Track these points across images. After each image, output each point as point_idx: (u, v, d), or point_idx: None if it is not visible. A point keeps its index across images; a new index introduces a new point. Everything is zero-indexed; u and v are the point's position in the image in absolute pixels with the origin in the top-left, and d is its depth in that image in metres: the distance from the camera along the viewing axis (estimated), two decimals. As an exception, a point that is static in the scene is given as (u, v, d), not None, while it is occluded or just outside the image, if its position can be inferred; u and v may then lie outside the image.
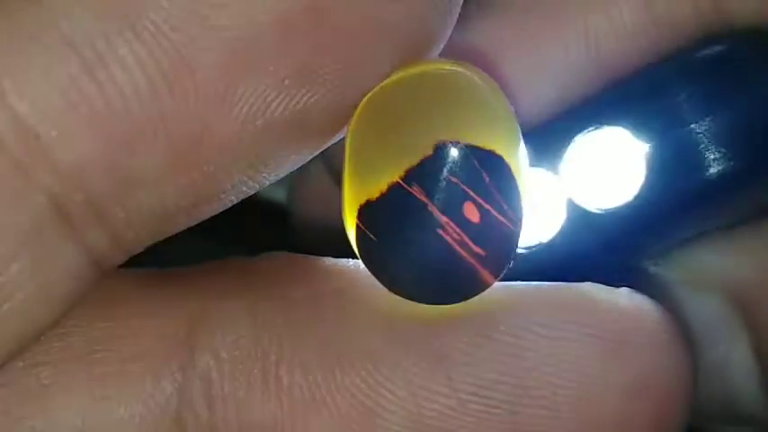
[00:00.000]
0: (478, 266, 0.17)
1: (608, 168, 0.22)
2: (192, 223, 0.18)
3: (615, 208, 0.22)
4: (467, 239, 0.17)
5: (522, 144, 0.17)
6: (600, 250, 0.22)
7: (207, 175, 0.17)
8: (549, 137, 0.22)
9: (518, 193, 0.17)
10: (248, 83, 0.16)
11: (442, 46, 0.18)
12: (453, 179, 0.17)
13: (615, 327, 0.18)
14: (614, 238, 0.22)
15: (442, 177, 0.17)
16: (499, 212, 0.17)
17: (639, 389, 0.18)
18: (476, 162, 0.17)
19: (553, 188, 0.22)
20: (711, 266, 0.22)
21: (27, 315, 0.16)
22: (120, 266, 0.18)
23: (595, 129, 0.22)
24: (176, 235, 0.18)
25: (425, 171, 0.17)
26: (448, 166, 0.17)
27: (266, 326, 0.19)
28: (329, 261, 0.20)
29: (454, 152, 0.17)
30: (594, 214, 0.22)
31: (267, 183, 0.18)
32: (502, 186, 0.17)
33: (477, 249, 0.17)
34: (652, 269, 0.23)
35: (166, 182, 0.16)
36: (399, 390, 0.18)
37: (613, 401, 0.18)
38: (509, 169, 0.17)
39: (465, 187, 0.17)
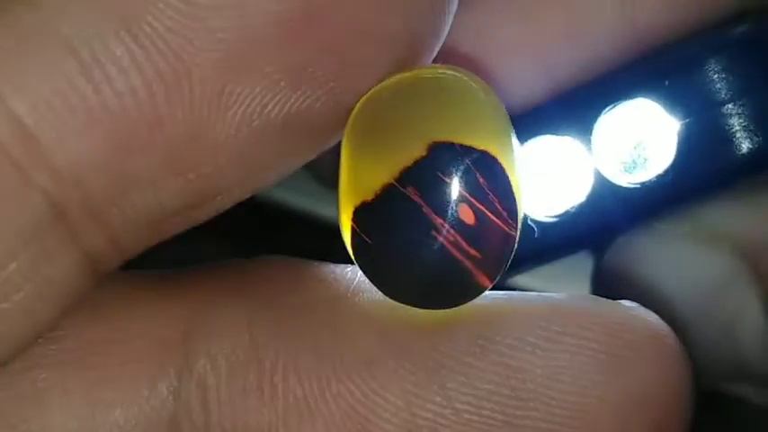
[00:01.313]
0: (474, 269, 0.17)
1: (637, 143, 0.22)
2: (188, 227, 0.18)
3: (642, 182, 0.22)
4: (462, 241, 0.17)
5: (515, 144, 0.17)
6: (623, 222, 0.22)
7: (203, 177, 0.17)
8: (579, 106, 0.22)
9: (513, 193, 0.17)
10: (244, 84, 0.16)
11: (436, 51, 0.18)
12: (447, 180, 0.17)
13: (613, 340, 0.18)
14: (639, 212, 0.22)
15: (436, 178, 0.17)
16: (494, 214, 0.17)
17: (637, 403, 0.18)
18: (470, 163, 0.17)
19: (580, 158, 0.22)
20: (724, 223, 0.22)
21: (25, 316, 0.16)
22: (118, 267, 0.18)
23: (627, 101, 0.22)
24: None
25: (419, 172, 0.17)
26: (442, 167, 0.17)
27: (263, 332, 0.19)
28: (325, 266, 0.20)
29: (448, 153, 0.17)
30: (621, 187, 0.22)
31: (264, 185, 0.18)
32: (496, 187, 0.17)
33: (472, 251, 0.17)
34: (662, 224, 0.23)
35: (162, 183, 0.16)
36: (394, 398, 0.18)
37: (611, 415, 0.18)
38: (503, 170, 0.17)
39: (459, 188, 0.17)
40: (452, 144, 0.17)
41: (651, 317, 0.19)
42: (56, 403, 0.18)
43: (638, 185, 0.22)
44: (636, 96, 0.22)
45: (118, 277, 0.19)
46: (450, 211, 0.17)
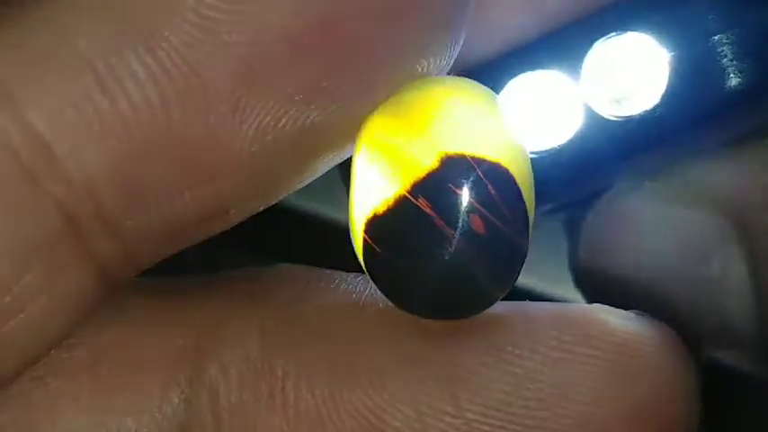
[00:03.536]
0: (485, 279, 0.17)
1: (628, 75, 0.21)
2: (201, 239, 0.18)
3: (632, 116, 0.21)
4: (473, 252, 0.17)
5: (526, 155, 0.18)
6: (613, 158, 0.22)
7: (216, 190, 0.17)
8: (569, 39, 0.22)
9: (523, 204, 0.17)
10: (259, 98, 0.16)
11: (448, 64, 0.18)
12: (459, 191, 0.17)
13: (623, 349, 0.18)
14: (629, 147, 0.22)
15: (447, 190, 0.17)
16: (504, 224, 0.17)
17: (647, 412, 0.18)
18: (481, 174, 0.17)
19: (570, 92, 0.22)
20: (712, 183, 0.22)
21: (39, 326, 0.16)
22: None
23: (618, 33, 0.21)
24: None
25: (431, 184, 0.17)
26: (453, 179, 0.17)
27: (274, 340, 0.19)
28: (338, 275, 0.20)
29: (459, 165, 0.17)
30: (611, 121, 0.21)
31: (277, 199, 0.18)
32: (507, 198, 0.17)
33: (483, 262, 0.17)
34: (649, 183, 0.22)
35: (176, 196, 0.17)
36: (405, 408, 0.18)
37: (619, 424, 0.18)
38: (514, 181, 0.17)
39: (470, 199, 0.17)
40: (464, 156, 0.17)
41: (660, 326, 0.19)
42: (68, 411, 0.18)
43: (629, 119, 0.21)
44: (626, 29, 0.21)
45: (131, 285, 0.19)
46: (461, 222, 0.17)
